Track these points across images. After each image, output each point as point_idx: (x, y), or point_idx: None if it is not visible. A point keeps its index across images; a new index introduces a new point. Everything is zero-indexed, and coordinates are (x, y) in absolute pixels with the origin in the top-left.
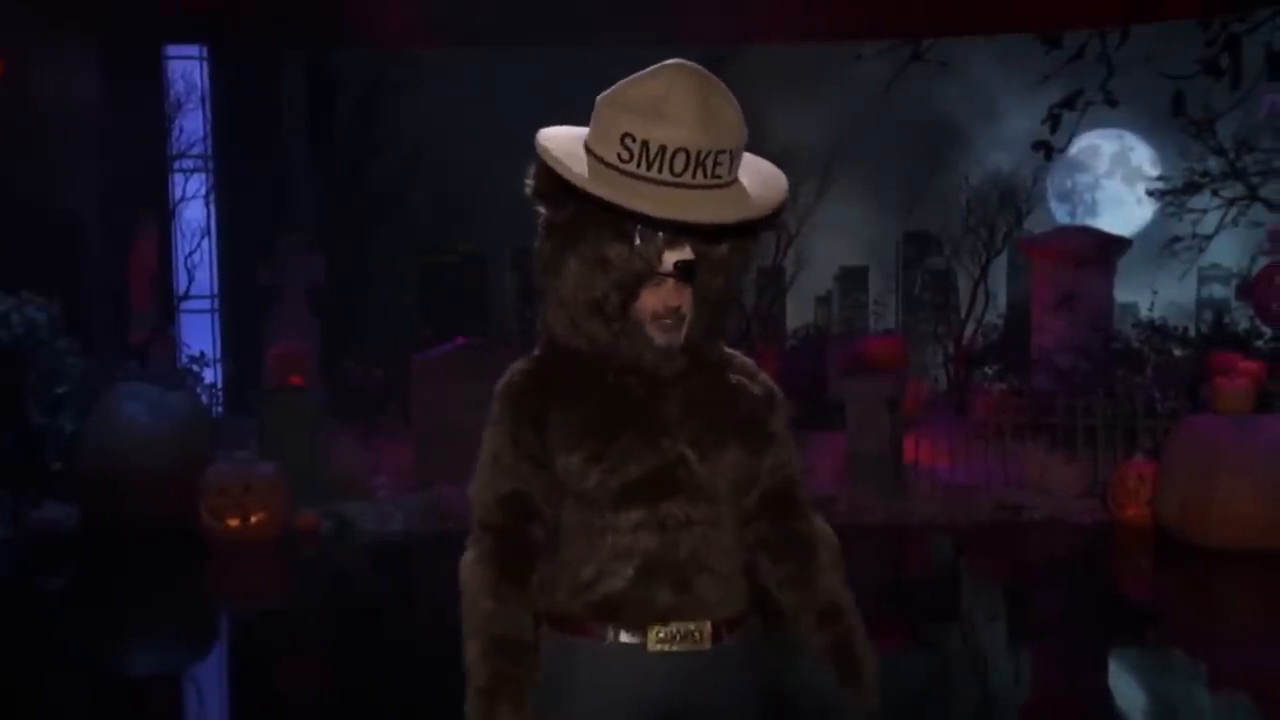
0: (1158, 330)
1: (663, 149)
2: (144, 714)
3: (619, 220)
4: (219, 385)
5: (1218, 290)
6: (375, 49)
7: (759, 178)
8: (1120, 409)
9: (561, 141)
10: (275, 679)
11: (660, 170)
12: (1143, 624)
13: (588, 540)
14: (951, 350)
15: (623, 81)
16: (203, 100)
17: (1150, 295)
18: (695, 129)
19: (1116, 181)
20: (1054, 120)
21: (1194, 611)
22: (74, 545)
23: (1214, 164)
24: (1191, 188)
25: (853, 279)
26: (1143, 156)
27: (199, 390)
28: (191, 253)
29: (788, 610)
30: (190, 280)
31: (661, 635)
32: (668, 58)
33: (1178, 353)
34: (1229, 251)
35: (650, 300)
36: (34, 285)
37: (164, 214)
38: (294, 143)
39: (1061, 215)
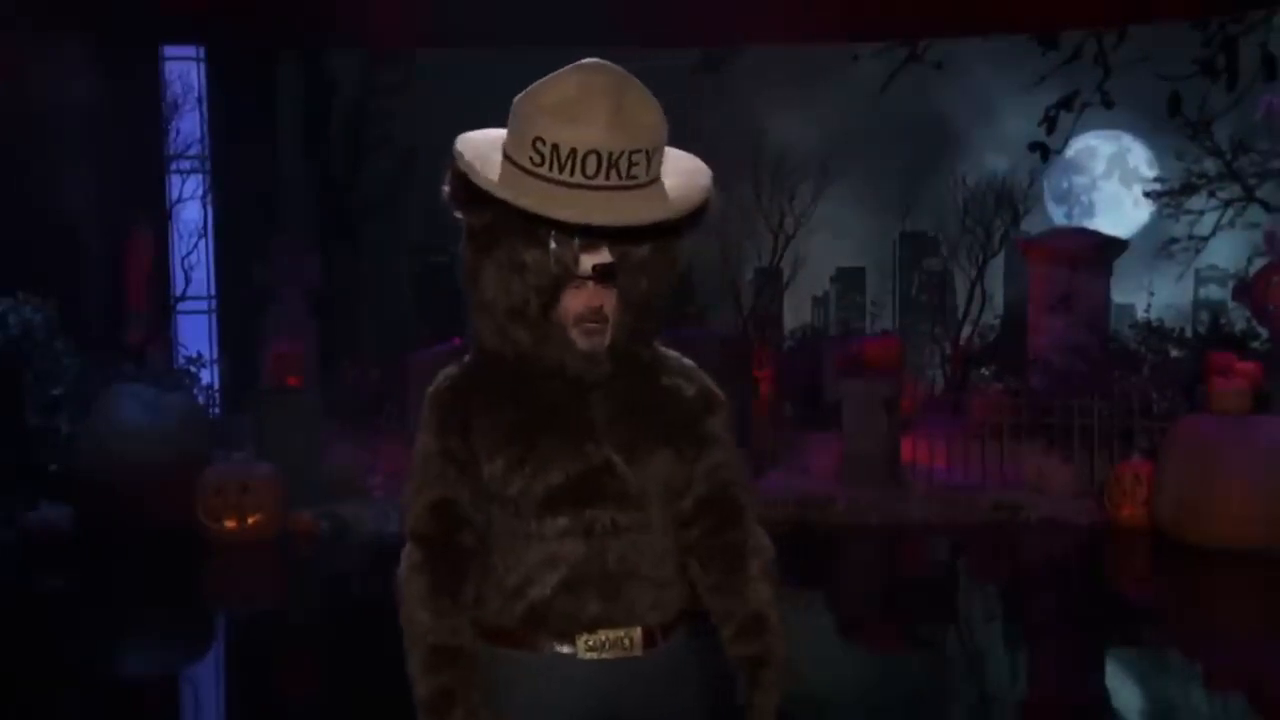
0: (1155, 331)
1: (573, 152)
2: (141, 715)
3: (533, 225)
4: (216, 386)
5: (1214, 291)
6: (371, 50)
7: (683, 176)
8: (1117, 409)
9: (478, 146)
10: (272, 680)
11: (572, 173)
12: (1139, 624)
13: (515, 548)
14: (948, 351)
15: (537, 82)
16: (199, 101)
17: (1147, 296)
18: (606, 130)
19: (1113, 182)
20: (1050, 121)
21: (1190, 611)
22: (71, 546)
23: (1211, 165)
24: (1188, 189)
25: (850, 280)
26: (1139, 158)
27: (196, 391)
28: (188, 253)
29: (714, 617)
30: (187, 281)
31: (591, 643)
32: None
33: (1175, 353)
34: (1226, 252)
35: (572, 304)
36: (31, 286)
37: (161, 215)
38: (290, 144)
39: (1058, 216)
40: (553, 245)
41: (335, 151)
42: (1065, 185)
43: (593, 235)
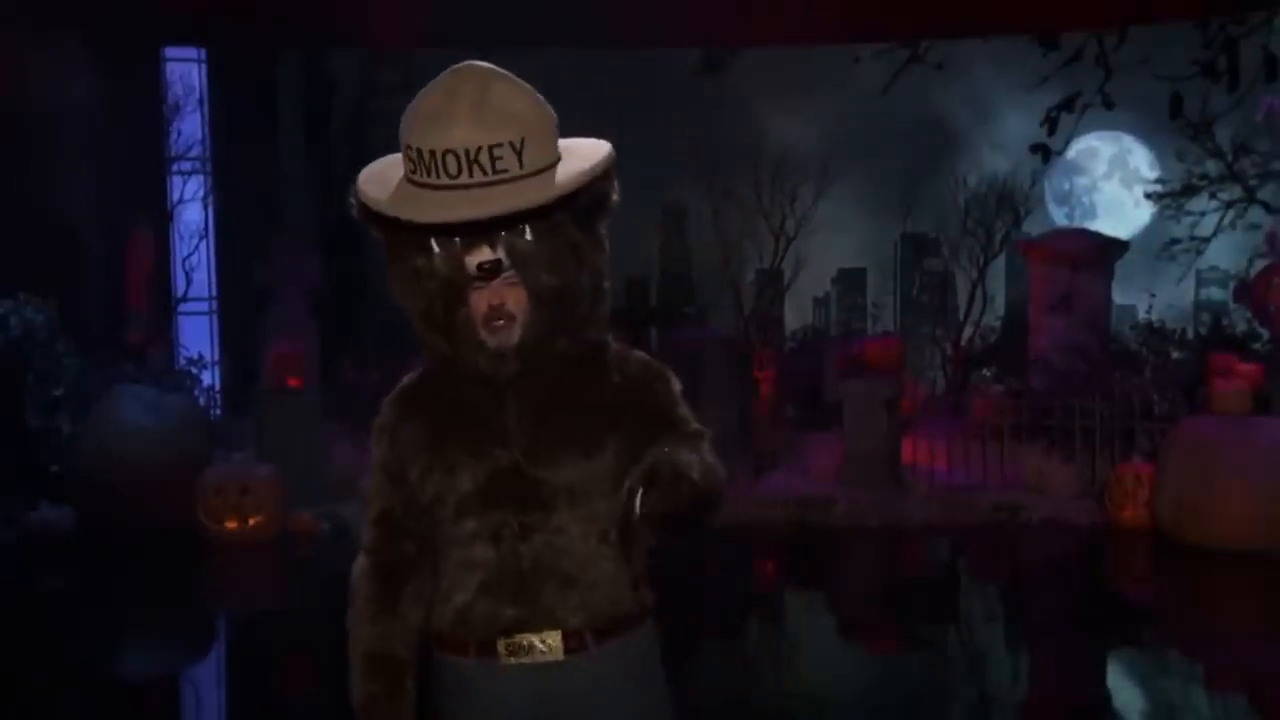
0: (1155, 332)
1: (433, 154)
2: (142, 715)
3: (416, 232)
4: (216, 387)
5: (1215, 292)
6: (371, 50)
7: (578, 163)
8: (1118, 410)
9: (385, 164)
10: (273, 680)
11: (437, 175)
12: (1139, 624)
13: (442, 554)
14: (949, 352)
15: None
16: (200, 102)
17: (1148, 297)
18: (462, 128)
19: (1114, 184)
20: (1052, 122)
21: (1191, 612)
22: (71, 547)
23: (1212, 166)
24: (1189, 190)
25: (851, 281)
26: (1140, 159)
27: (196, 392)
28: (189, 254)
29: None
30: (188, 282)
31: (510, 647)
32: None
33: (1175, 354)
34: (1227, 253)
35: (477, 303)
36: (32, 287)
37: (162, 216)
38: (291, 144)
39: (1059, 217)
40: (435, 249)
41: (336, 152)
42: (1066, 186)
43: (457, 233)
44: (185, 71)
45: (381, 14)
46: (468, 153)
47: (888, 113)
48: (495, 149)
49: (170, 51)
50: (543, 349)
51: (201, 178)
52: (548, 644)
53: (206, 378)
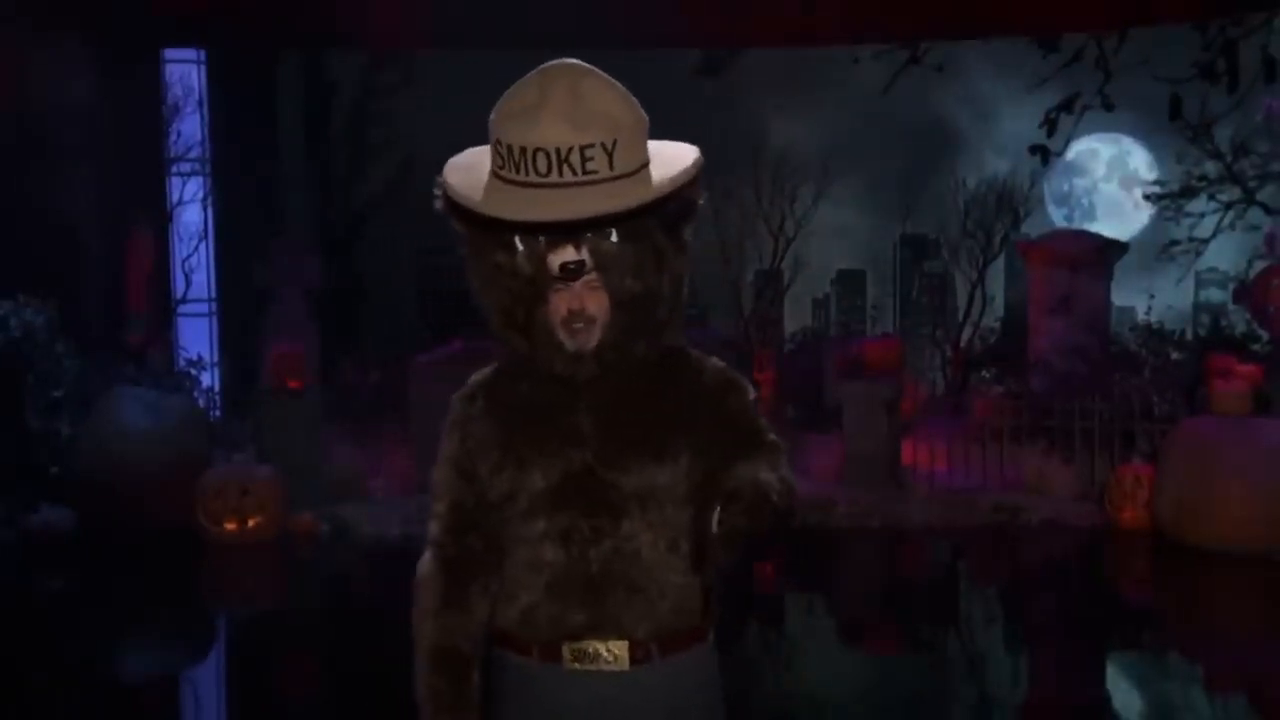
0: (1155, 333)
1: (524, 150)
2: (141, 716)
3: (501, 228)
4: (216, 388)
5: (1215, 294)
6: (371, 51)
7: (667, 168)
8: (1118, 412)
9: (471, 156)
10: (273, 681)
11: (526, 172)
12: (1140, 626)
13: (509, 553)
14: (949, 353)
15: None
16: (200, 104)
17: (1148, 299)
18: (555, 127)
19: (1114, 185)
20: (1051, 124)
21: (1191, 614)
22: (71, 548)
23: (1211, 168)
24: (1189, 191)
25: (850, 282)
26: (1140, 160)
27: (196, 393)
28: (189, 256)
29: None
30: (188, 283)
31: (575, 653)
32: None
33: (1175, 356)
34: (1226, 255)
35: (558, 304)
36: (31, 288)
37: (161, 217)
38: (291, 145)
39: (1059, 219)
40: (519, 247)
41: (335, 152)
42: (1066, 188)
43: (544, 233)
44: (185, 73)
45: (381, 15)
46: (559, 151)
47: (887, 114)
48: (587, 149)
49: (170, 53)
50: (621, 353)
51: (201, 179)
52: (614, 653)
53: (206, 379)
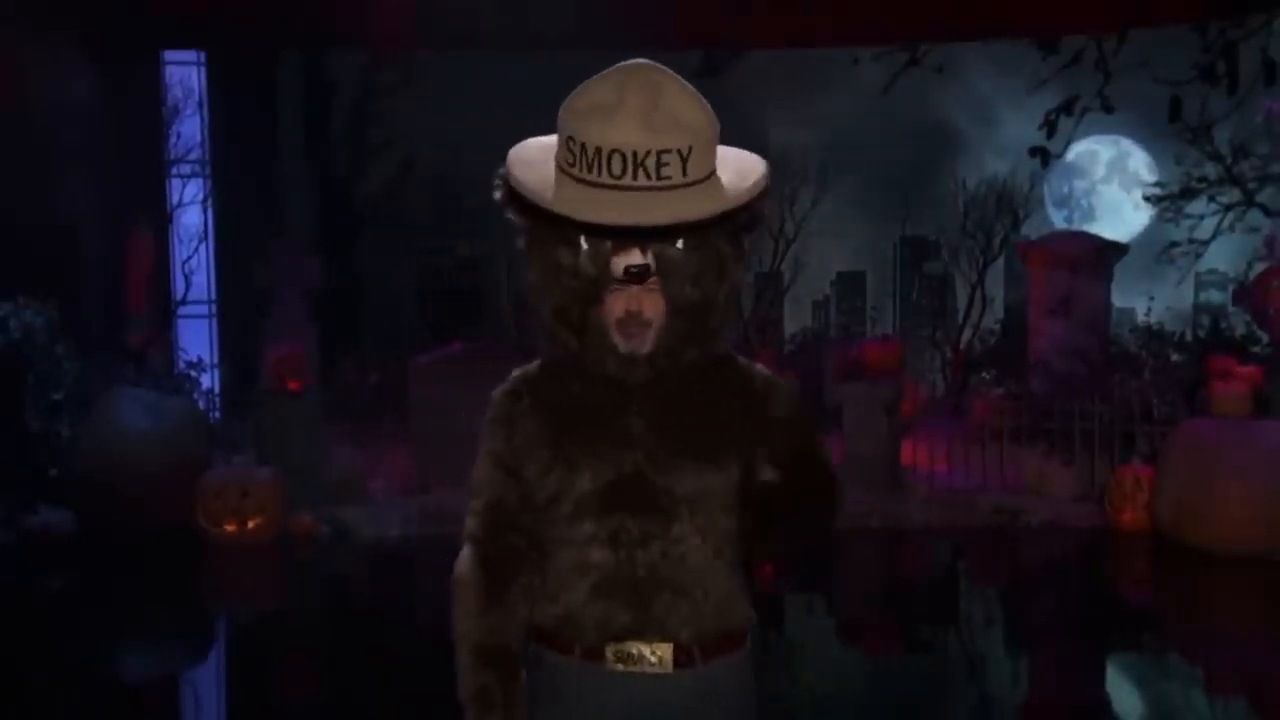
0: (1155, 335)
1: (599, 150)
2: (141, 718)
3: (566, 227)
4: (216, 389)
5: (1215, 295)
6: (371, 52)
7: (736, 177)
8: (1117, 413)
9: (534, 149)
10: (272, 683)
11: (599, 173)
12: (1140, 628)
13: (554, 552)
14: (949, 354)
15: (582, 84)
16: (200, 105)
17: (1147, 300)
18: (632, 129)
19: (1113, 187)
20: (1051, 125)
21: (1191, 615)
22: (71, 549)
23: (1211, 169)
24: (1188, 193)
25: (850, 284)
26: (1140, 162)
27: (196, 395)
28: (189, 257)
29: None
30: (188, 285)
31: (619, 654)
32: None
33: (1175, 357)
34: (1226, 256)
35: (613, 306)
36: (31, 290)
37: (161, 219)
38: (291, 146)
39: (1058, 220)
40: (584, 246)
41: (335, 153)
42: (1065, 189)
43: (614, 235)
44: (184, 74)
45: (381, 16)
46: (635, 155)
47: (887, 115)
48: (664, 154)
49: (169, 54)
50: (674, 359)
51: (201, 180)
52: (658, 655)
53: (206, 380)
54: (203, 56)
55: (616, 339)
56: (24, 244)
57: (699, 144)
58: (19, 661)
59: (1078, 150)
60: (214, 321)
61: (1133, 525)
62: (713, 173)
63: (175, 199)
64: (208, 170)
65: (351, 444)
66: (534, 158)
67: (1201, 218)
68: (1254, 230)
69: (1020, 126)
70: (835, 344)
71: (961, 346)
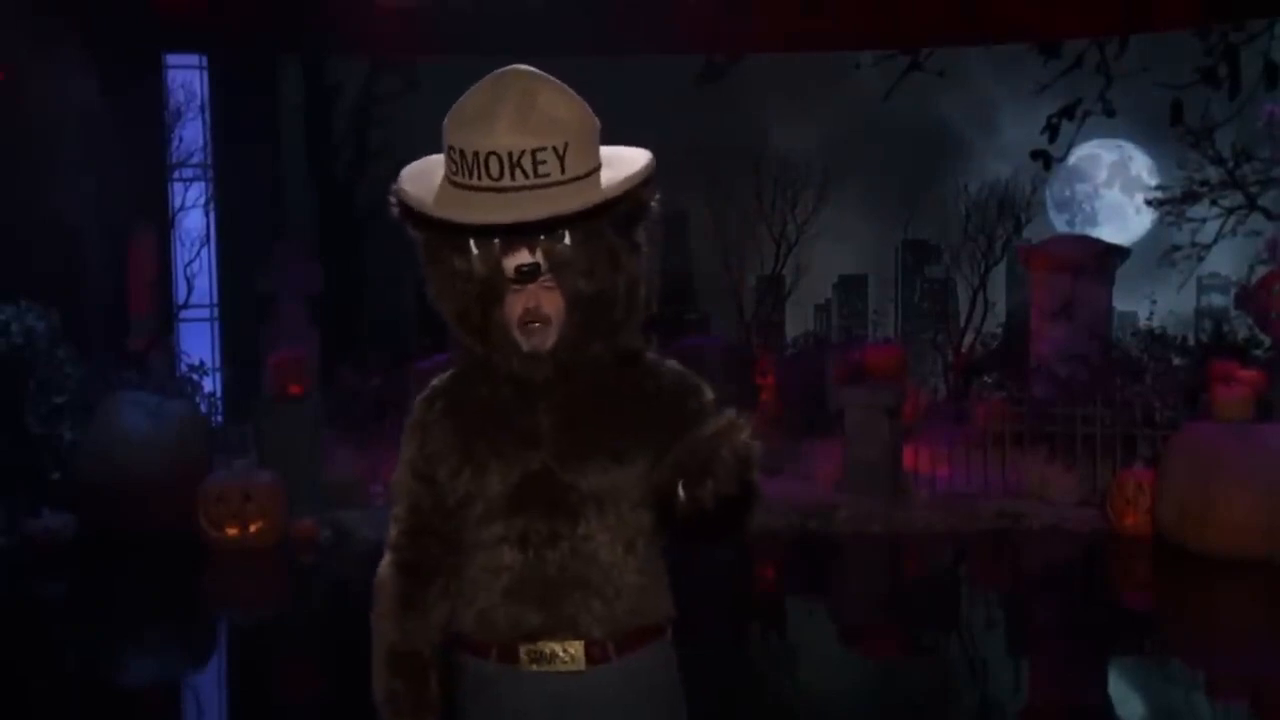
0: (1157, 339)
1: (476, 155)
2: None
3: (455, 233)
4: (218, 394)
5: (1217, 299)
6: (373, 58)
7: (617, 172)
8: (1119, 417)
9: (427, 163)
10: (273, 687)
11: (479, 176)
12: (1141, 632)
13: (469, 556)
14: (950, 358)
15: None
16: (202, 109)
17: (1149, 304)
18: (507, 131)
19: (1115, 191)
20: (1052, 129)
21: (1193, 620)
22: (72, 553)
23: (1212, 173)
24: (1190, 197)
25: (852, 287)
26: (1141, 166)
27: (198, 399)
28: (190, 261)
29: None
30: (189, 289)
31: (532, 654)
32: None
33: (1177, 361)
34: (1228, 260)
35: (513, 306)
36: (33, 294)
37: (163, 223)
38: (293, 151)
39: (1060, 224)
40: (473, 250)
41: (336, 159)
42: (1067, 193)
43: (496, 234)
44: (187, 78)
45: (383, 22)
46: (510, 155)
47: (889, 119)
48: (539, 153)
49: (172, 58)
50: (577, 353)
51: (203, 184)
52: (570, 653)
53: (208, 384)
54: (205, 60)
55: (519, 338)
56: (26, 247)
57: (575, 141)
58: (20, 665)
59: (1079, 154)
60: (215, 325)
61: (1134, 529)
62: (595, 169)
63: (177, 203)
64: (210, 174)
65: (352, 448)
66: (422, 171)
67: (1203, 221)
68: (1256, 234)
69: (1022, 130)
70: (837, 348)
71: (963, 350)
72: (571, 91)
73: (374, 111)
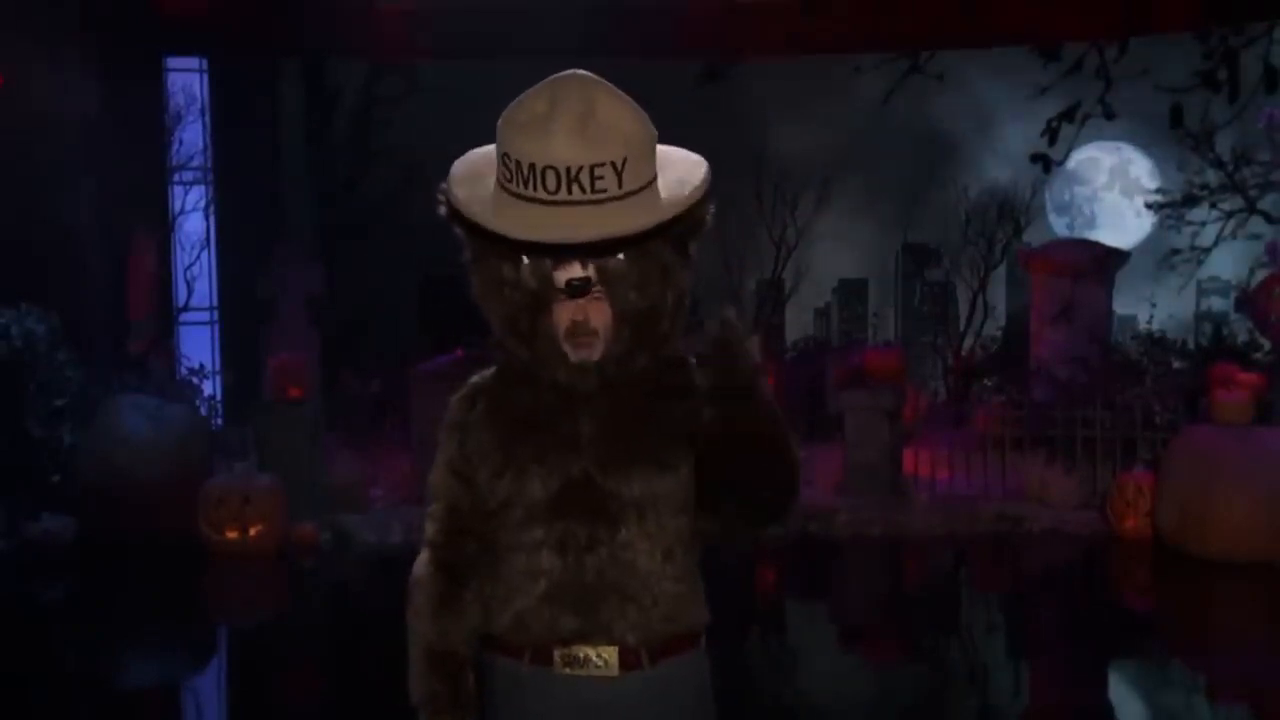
0: (1156, 342)
1: (533, 167)
2: None
3: (507, 243)
4: (218, 397)
5: (1216, 302)
6: (373, 60)
7: (676, 184)
8: (1119, 421)
9: (476, 162)
10: (273, 691)
11: (534, 188)
12: (1142, 635)
13: (504, 558)
14: (950, 362)
15: (518, 97)
16: (202, 112)
17: (1149, 307)
18: (565, 145)
19: (1115, 194)
20: (1052, 133)
21: (1193, 623)
22: (72, 557)
23: (1212, 176)
24: (1190, 200)
25: (852, 291)
26: (1141, 169)
27: (198, 402)
28: (191, 264)
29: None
30: (189, 292)
31: (566, 658)
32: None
33: (1177, 365)
34: (1228, 264)
35: (561, 316)
36: (33, 297)
37: (163, 226)
38: (292, 154)
39: (1060, 227)
40: (525, 261)
41: (337, 162)
42: (1067, 196)
43: (550, 253)
44: (187, 81)
45: (384, 25)
46: (569, 170)
47: (888, 123)
48: (597, 168)
49: (172, 61)
50: (624, 366)
51: (203, 187)
52: (603, 658)
53: (208, 387)
54: (205, 63)
55: (566, 348)
56: (26, 250)
57: (634, 154)
58: (20, 668)
59: (1079, 157)
60: (216, 328)
61: (1134, 532)
62: (652, 181)
63: (177, 206)
64: (210, 177)
65: (353, 451)
66: (475, 172)
67: (1203, 225)
68: (1256, 237)
69: (1021, 133)
70: (837, 351)
71: (963, 354)
72: (630, 100)
73: (374, 114)
